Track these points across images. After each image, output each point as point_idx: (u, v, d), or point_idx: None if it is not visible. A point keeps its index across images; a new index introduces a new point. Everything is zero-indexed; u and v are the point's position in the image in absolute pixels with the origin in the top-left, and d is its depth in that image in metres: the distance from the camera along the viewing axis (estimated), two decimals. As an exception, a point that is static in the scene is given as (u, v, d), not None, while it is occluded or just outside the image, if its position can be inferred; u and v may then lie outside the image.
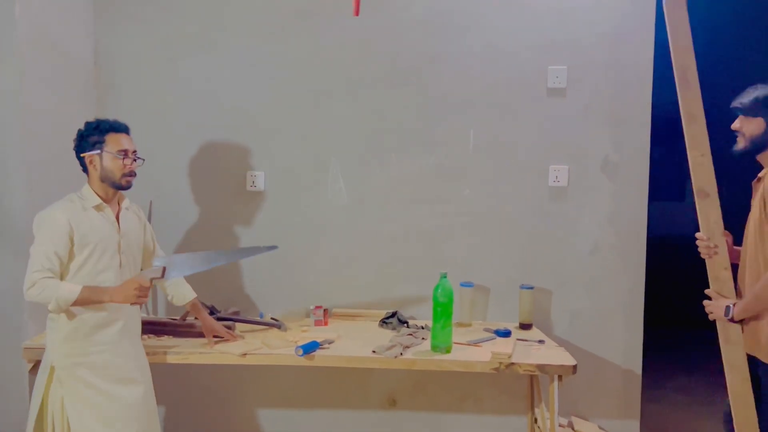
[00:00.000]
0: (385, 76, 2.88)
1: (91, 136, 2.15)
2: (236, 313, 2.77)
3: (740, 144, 2.11)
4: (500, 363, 2.27)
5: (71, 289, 2.01)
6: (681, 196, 6.98)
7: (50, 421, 2.10)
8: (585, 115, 2.82)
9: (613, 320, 2.86)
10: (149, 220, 2.94)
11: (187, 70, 2.95)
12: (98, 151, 2.14)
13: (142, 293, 2.08)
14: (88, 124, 2.20)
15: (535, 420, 2.78)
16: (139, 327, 2.30)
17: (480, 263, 2.90)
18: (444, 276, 2.38)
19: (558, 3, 2.80)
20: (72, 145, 2.21)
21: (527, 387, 2.85)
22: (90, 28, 2.95)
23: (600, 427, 2.85)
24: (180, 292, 2.50)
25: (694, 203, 6.73)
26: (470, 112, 2.86)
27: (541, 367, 2.27)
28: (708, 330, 5.66)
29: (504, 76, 2.84)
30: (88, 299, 2.04)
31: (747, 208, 2.18)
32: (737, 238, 2.19)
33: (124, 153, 2.16)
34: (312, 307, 2.76)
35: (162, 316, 2.94)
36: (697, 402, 3.81)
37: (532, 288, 2.78)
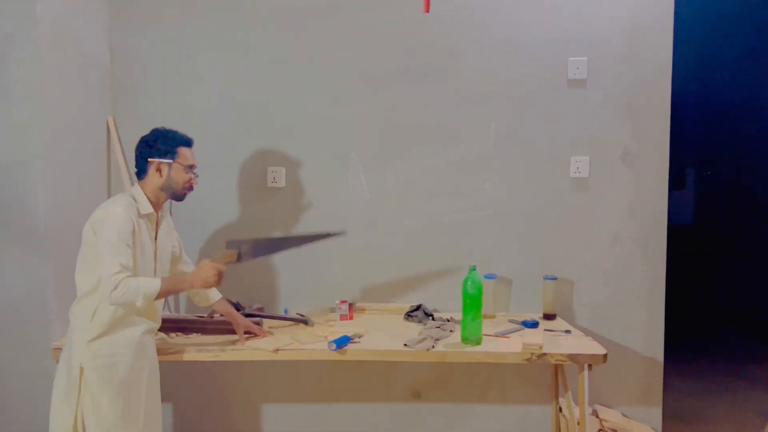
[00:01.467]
0: (405, 71, 2.88)
1: (165, 144, 2.20)
2: (261, 309, 2.78)
3: None
4: (532, 354, 2.29)
5: (152, 283, 2.04)
6: (681, 184, 7.06)
7: (80, 422, 2.08)
8: (605, 105, 2.83)
9: (634, 309, 2.89)
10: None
11: (204, 67, 2.94)
12: (170, 161, 2.19)
13: (220, 277, 2.17)
14: (160, 132, 2.24)
15: (560, 409, 2.81)
16: (156, 328, 2.28)
17: (502, 255, 2.91)
18: (473, 269, 2.39)
19: (577, -6, 2.81)
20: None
21: (551, 377, 2.87)
22: (105, 25, 2.93)
23: (623, 414, 2.88)
24: (203, 294, 2.50)
25: (694, 191, 6.83)
26: (490, 105, 2.87)
27: (573, 357, 2.29)
28: (716, 317, 5.73)
29: (524, 69, 2.85)
30: (168, 290, 2.12)
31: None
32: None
33: (191, 167, 2.24)
34: (337, 302, 2.77)
35: (184, 313, 2.94)
36: (715, 389, 3.87)
37: (555, 279, 2.80)
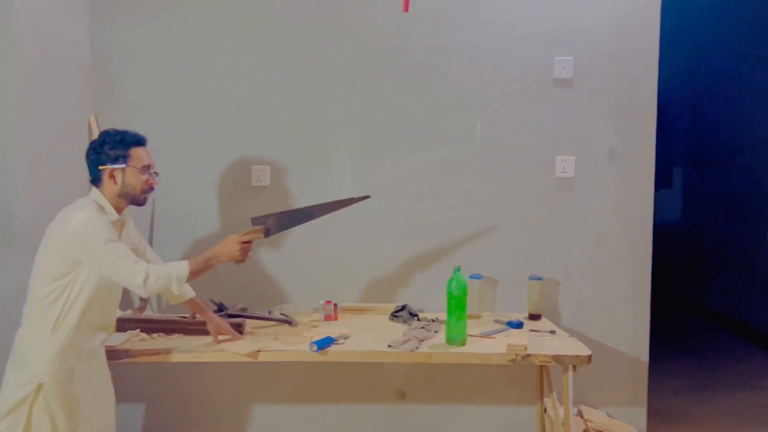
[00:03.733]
0: (391, 69, 2.86)
1: (114, 149, 2.07)
2: (244, 309, 2.75)
3: None
4: (516, 354, 2.28)
5: (181, 266, 2.05)
6: (668, 183, 7.10)
7: None
8: (591, 105, 2.83)
9: (619, 309, 2.89)
10: (152, 218, 2.90)
11: (187, 64, 2.91)
12: (122, 165, 2.07)
13: (245, 249, 2.16)
14: (108, 135, 2.10)
15: (545, 410, 2.81)
16: (108, 339, 2.21)
17: (488, 255, 2.90)
18: (458, 269, 2.37)
19: (564, -7, 2.80)
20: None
21: (536, 377, 2.87)
22: (86, 22, 2.88)
23: (608, 415, 2.88)
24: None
25: (681, 191, 6.88)
26: (477, 105, 2.85)
27: (557, 358, 2.28)
28: (701, 316, 5.77)
29: (510, 68, 2.83)
30: (198, 270, 2.09)
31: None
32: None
33: (147, 168, 2.12)
34: (321, 302, 2.74)
35: (167, 314, 2.90)
36: (700, 389, 3.88)
37: (541, 279, 2.79)
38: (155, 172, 2.17)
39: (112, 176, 2.07)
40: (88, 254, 1.97)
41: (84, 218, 1.98)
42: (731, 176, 5.61)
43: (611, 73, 2.81)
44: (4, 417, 1.95)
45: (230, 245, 2.15)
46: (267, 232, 2.25)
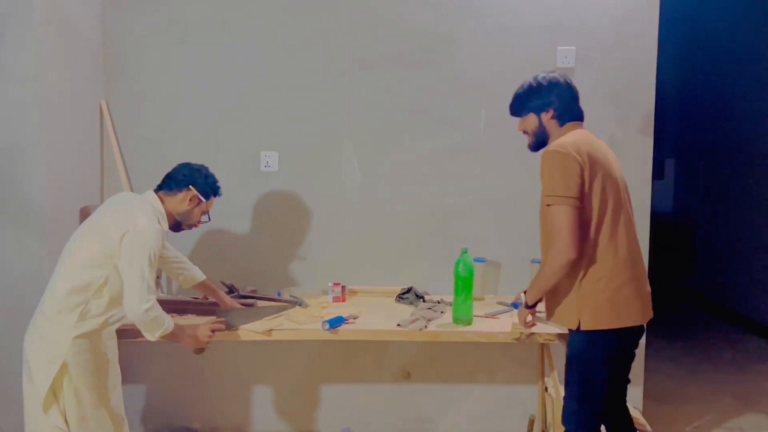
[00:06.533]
0: (398, 57, 2.93)
1: (210, 187, 2.34)
2: (254, 291, 2.82)
3: (529, 140, 2.30)
4: (521, 333, 2.37)
5: (170, 324, 2.14)
6: (660, 174, 7.21)
7: (62, 412, 2.05)
8: (592, 94, 2.89)
9: (618, 292, 2.97)
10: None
11: (197, 51, 2.96)
12: (203, 200, 2.32)
13: (210, 339, 2.28)
14: (212, 175, 2.37)
15: (546, 389, 2.90)
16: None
17: (491, 239, 2.98)
18: (465, 251, 2.45)
19: (566, -16, 2.87)
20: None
21: (538, 357, 2.96)
22: (98, 8, 2.92)
23: (606, 394, 2.97)
24: (189, 275, 2.54)
25: (673, 181, 6.90)
26: (482, 92, 2.92)
27: (561, 336, 2.37)
28: (691, 304, 5.87)
29: (514, 57, 2.91)
30: (172, 337, 2.17)
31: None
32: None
33: (205, 213, 2.38)
34: (330, 284, 2.81)
35: (179, 295, 2.96)
36: (692, 372, 4.00)
37: (543, 262, 2.87)
38: (208, 219, 2.42)
39: (190, 199, 2.28)
40: (129, 260, 2.04)
41: (153, 228, 2.11)
42: (722, 168, 5.73)
43: (611, 62, 2.89)
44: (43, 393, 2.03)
45: (203, 335, 2.24)
46: (227, 325, 2.38)
